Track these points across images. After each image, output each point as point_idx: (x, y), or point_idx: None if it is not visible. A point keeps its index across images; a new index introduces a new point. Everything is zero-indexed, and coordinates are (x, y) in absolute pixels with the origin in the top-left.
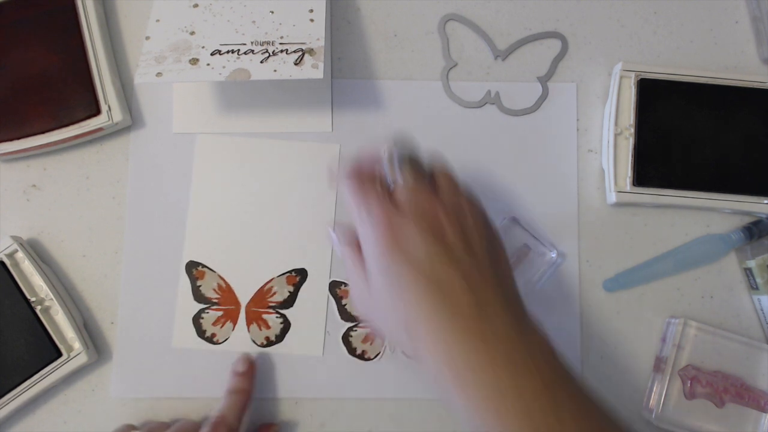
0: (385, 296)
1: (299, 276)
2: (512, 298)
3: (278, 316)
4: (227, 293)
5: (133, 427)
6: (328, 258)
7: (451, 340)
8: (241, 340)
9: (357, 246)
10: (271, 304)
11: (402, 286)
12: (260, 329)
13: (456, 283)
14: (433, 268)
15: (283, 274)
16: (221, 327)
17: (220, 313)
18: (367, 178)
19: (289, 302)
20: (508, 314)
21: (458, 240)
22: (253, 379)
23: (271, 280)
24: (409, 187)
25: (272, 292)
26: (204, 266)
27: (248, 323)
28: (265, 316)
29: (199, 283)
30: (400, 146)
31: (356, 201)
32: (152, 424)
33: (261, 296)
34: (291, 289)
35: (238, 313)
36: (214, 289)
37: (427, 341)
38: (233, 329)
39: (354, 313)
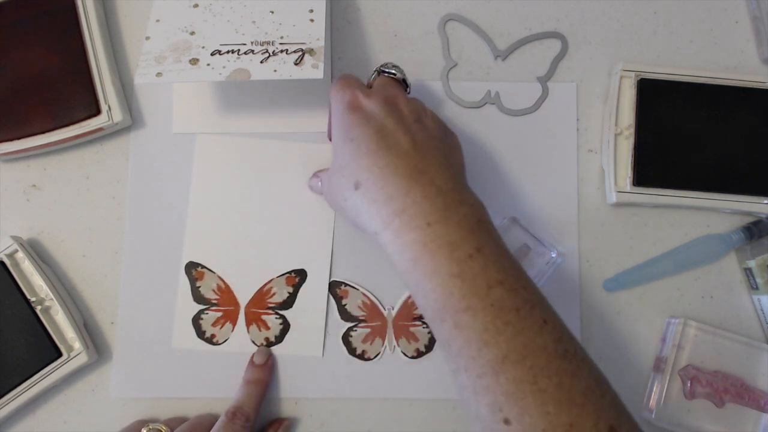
0: (341, 160)
1: (299, 277)
2: (456, 172)
3: (278, 317)
4: (227, 294)
5: (144, 423)
6: (328, 259)
7: (388, 173)
8: (240, 340)
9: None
10: (270, 305)
11: (354, 137)
12: (260, 330)
13: (400, 136)
14: (383, 122)
15: (283, 274)
16: (221, 328)
17: (219, 314)
18: (353, 79)
19: (288, 303)
20: (449, 178)
21: (412, 120)
22: (270, 370)
23: (271, 281)
24: (384, 79)
25: (272, 293)
26: (203, 267)
27: (248, 324)
28: (264, 317)
29: (198, 283)
30: (390, 66)
31: (336, 92)
32: (170, 418)
33: (260, 297)
34: (290, 290)
35: (238, 314)
36: (214, 290)
37: (369, 183)
38: (233, 330)
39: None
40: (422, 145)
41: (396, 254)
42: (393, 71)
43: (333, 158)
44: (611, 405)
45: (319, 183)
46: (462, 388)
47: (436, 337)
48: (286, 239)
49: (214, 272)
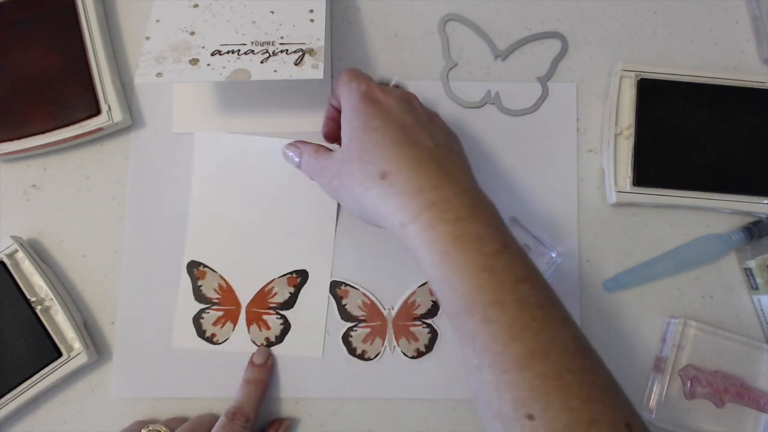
0: (362, 147)
1: (300, 277)
2: (469, 171)
3: (278, 317)
4: (228, 293)
5: (144, 423)
6: (329, 259)
7: (417, 166)
8: (241, 340)
9: (320, 149)
10: (271, 305)
11: (377, 127)
12: (260, 330)
13: (421, 134)
14: (403, 117)
15: (284, 275)
16: (221, 327)
17: (220, 313)
18: (362, 72)
19: (289, 303)
20: (468, 179)
21: (427, 119)
22: (270, 370)
23: (272, 281)
24: (392, 86)
25: (273, 293)
26: (205, 266)
27: (248, 324)
28: (265, 316)
29: (200, 283)
30: (388, 79)
31: (346, 82)
32: (170, 419)
33: (261, 297)
34: (292, 290)
35: (239, 313)
36: (215, 290)
37: (398, 174)
38: (233, 330)
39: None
40: (441, 145)
41: (423, 246)
42: (396, 82)
43: (346, 145)
44: (624, 403)
45: (297, 157)
46: (483, 385)
47: (458, 333)
48: (288, 239)
49: (215, 272)
